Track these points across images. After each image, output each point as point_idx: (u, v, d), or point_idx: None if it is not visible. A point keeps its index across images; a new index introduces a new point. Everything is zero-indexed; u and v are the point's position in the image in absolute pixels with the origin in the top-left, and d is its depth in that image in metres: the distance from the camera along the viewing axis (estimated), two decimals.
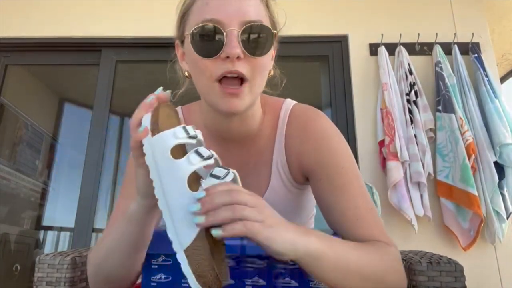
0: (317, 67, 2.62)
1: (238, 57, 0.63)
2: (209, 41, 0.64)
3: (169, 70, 0.74)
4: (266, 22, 0.68)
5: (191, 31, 0.65)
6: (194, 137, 0.55)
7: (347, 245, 0.61)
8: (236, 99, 0.65)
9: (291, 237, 0.52)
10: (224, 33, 0.63)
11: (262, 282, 0.64)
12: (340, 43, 2.49)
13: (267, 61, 0.69)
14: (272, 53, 0.73)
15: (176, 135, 0.53)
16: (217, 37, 0.63)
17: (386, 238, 0.69)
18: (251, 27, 0.64)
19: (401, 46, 2.34)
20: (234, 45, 0.62)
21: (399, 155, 2.03)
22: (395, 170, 2.01)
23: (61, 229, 2.85)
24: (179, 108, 0.87)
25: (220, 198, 0.49)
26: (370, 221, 0.69)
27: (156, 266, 0.65)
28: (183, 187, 0.50)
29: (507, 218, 1.96)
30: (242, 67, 0.63)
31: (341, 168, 0.72)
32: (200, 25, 0.64)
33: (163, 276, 0.65)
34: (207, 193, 0.50)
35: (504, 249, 2.01)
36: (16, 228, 2.68)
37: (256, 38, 0.65)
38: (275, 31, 0.71)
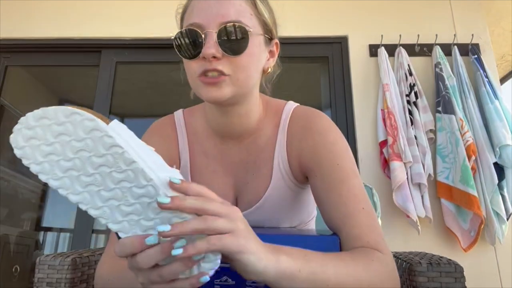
0: (317, 68, 2.62)
1: (215, 57, 0.66)
2: (191, 43, 0.68)
3: (178, 71, 0.77)
4: (252, 22, 0.70)
5: (175, 36, 0.70)
6: None
7: (326, 259, 0.55)
8: (215, 88, 0.68)
9: (262, 253, 0.48)
10: (203, 35, 0.67)
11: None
12: (340, 44, 2.49)
13: (250, 59, 0.70)
14: (258, 51, 0.73)
15: None
16: (197, 39, 0.67)
17: (378, 242, 0.65)
18: (228, 27, 0.67)
19: (401, 47, 2.35)
20: (208, 46, 0.66)
21: (402, 155, 2.02)
22: (400, 171, 2.00)
23: (60, 230, 2.85)
24: (180, 111, 0.89)
25: (192, 204, 0.45)
26: (362, 221, 0.67)
27: None
28: (161, 161, 0.47)
29: (507, 219, 1.96)
30: (221, 66, 0.67)
31: (337, 165, 0.72)
32: (182, 29, 0.69)
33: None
34: (180, 187, 0.45)
35: (504, 250, 2.01)
36: (16, 229, 2.67)
37: (233, 38, 0.67)
38: (262, 30, 0.73)
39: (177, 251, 0.43)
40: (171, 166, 0.50)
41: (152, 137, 0.85)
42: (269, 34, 0.76)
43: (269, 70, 0.80)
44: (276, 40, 0.80)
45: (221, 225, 0.45)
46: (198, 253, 0.44)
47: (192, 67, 0.69)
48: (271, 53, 0.79)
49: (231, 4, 0.68)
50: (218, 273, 0.61)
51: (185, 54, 0.69)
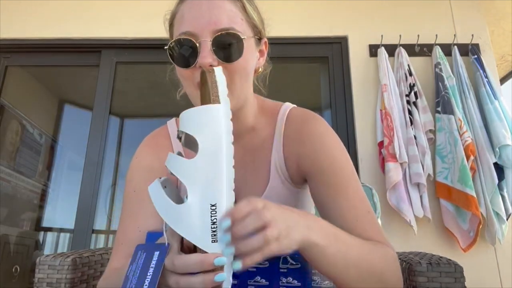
0: (317, 68, 2.62)
1: (211, 65, 0.66)
2: (184, 53, 0.68)
3: (170, 72, 0.77)
4: (243, 26, 0.71)
5: (168, 45, 0.70)
6: None
7: (349, 240, 0.62)
8: None
9: (299, 235, 0.52)
10: (197, 44, 0.67)
11: (264, 282, 0.64)
12: (340, 44, 2.49)
13: (245, 63, 0.71)
14: (251, 54, 0.74)
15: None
16: (191, 48, 0.68)
17: (384, 240, 0.70)
18: (222, 35, 0.67)
19: (401, 47, 2.35)
20: (204, 55, 0.66)
21: (397, 156, 2.03)
22: (394, 171, 2.01)
23: (60, 230, 2.85)
24: (173, 120, 0.90)
25: (252, 224, 0.48)
26: (369, 222, 0.70)
27: None
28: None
29: (507, 219, 1.96)
30: None
31: (339, 170, 0.73)
32: (175, 39, 0.69)
33: None
34: (233, 217, 0.48)
35: (504, 250, 2.01)
36: (16, 229, 2.67)
37: (228, 45, 0.68)
38: (252, 33, 0.74)
39: (237, 265, 0.48)
40: (166, 175, 0.52)
41: (146, 149, 0.85)
42: (258, 35, 0.77)
43: (260, 69, 0.81)
44: (265, 39, 0.81)
45: (271, 238, 0.48)
46: (254, 263, 0.48)
47: (188, 76, 0.70)
48: (261, 52, 0.80)
49: (222, 11, 0.68)
50: (252, 273, 0.62)
51: (180, 63, 0.70)
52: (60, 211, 2.87)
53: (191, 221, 0.48)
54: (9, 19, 2.53)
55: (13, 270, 2.55)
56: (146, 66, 2.71)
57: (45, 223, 2.90)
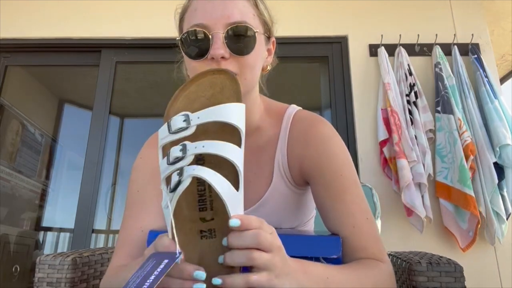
0: (317, 68, 2.63)
1: (223, 57, 0.67)
2: (197, 44, 0.69)
3: (177, 70, 0.77)
4: (254, 22, 0.72)
5: (180, 37, 0.71)
6: (183, 128, 0.49)
7: (344, 279, 0.59)
8: None
9: (288, 281, 0.50)
10: (210, 36, 0.68)
11: None
12: (340, 44, 2.49)
13: (256, 58, 0.72)
14: (261, 50, 0.75)
15: (162, 138, 0.50)
16: (204, 40, 0.68)
17: (381, 252, 0.69)
18: (234, 28, 0.68)
19: (401, 47, 2.35)
20: (217, 47, 0.67)
21: (410, 154, 2.01)
22: (407, 169, 1.98)
23: (60, 230, 2.85)
24: None
25: (247, 241, 0.48)
26: (366, 231, 0.70)
27: None
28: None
29: (507, 219, 1.96)
30: (229, 66, 0.68)
31: (340, 175, 0.73)
32: (188, 31, 0.70)
33: None
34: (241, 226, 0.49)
35: (503, 249, 2.01)
36: (16, 229, 2.68)
37: (240, 38, 0.68)
38: (263, 30, 0.75)
39: (217, 281, 0.46)
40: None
41: (150, 149, 0.85)
42: (268, 32, 0.77)
43: (268, 68, 0.82)
44: (273, 39, 0.82)
45: (264, 262, 0.47)
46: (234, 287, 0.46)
47: (198, 68, 0.70)
48: (269, 51, 0.81)
49: (235, 5, 0.70)
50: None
51: (191, 54, 0.70)
52: (60, 211, 2.87)
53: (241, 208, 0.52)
54: (9, 19, 2.53)
55: (13, 270, 2.56)
56: (146, 66, 2.71)
57: (45, 223, 2.90)
